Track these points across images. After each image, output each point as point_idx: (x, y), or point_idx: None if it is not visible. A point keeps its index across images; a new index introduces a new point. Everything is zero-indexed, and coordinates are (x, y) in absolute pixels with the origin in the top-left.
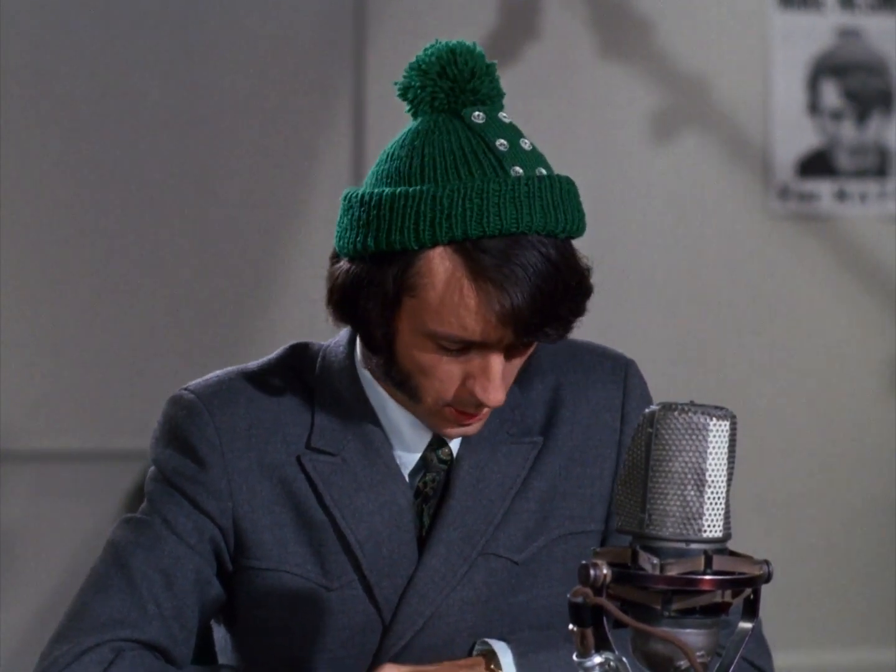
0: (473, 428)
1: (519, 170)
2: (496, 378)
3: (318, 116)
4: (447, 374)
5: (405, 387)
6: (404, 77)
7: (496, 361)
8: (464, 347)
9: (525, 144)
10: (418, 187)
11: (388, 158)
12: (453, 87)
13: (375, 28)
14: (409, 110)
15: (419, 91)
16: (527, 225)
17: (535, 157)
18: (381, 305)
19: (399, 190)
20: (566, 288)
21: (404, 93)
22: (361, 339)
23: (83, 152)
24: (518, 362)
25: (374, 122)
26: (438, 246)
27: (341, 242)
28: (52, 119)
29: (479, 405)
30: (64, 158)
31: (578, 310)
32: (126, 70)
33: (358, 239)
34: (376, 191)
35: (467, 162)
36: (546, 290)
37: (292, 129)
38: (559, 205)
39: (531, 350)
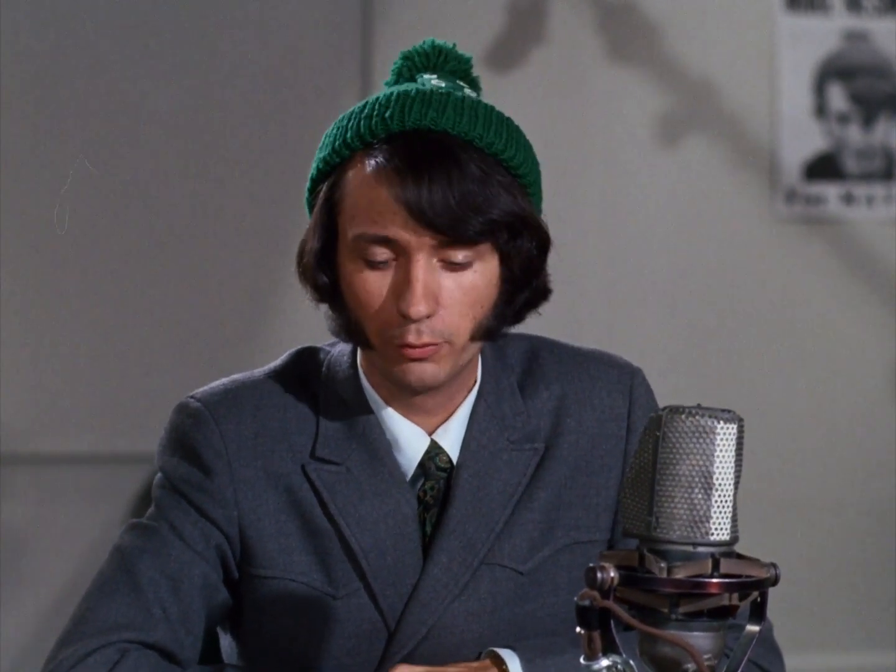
0: (430, 369)
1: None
2: (416, 283)
3: (324, 123)
4: (379, 298)
5: (355, 333)
6: None
7: (417, 266)
8: (390, 259)
9: (470, 93)
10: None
11: None
12: (415, 62)
13: (382, 34)
14: None
15: (390, 74)
16: (433, 120)
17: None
18: (321, 235)
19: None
20: (473, 183)
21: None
22: (315, 292)
23: (87, 157)
24: (453, 282)
25: None
26: (355, 154)
27: None
28: (56, 121)
29: (408, 322)
30: (67, 162)
31: (495, 216)
32: (131, 75)
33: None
34: None
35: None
36: (449, 180)
37: (298, 136)
38: (479, 117)
39: (475, 271)
